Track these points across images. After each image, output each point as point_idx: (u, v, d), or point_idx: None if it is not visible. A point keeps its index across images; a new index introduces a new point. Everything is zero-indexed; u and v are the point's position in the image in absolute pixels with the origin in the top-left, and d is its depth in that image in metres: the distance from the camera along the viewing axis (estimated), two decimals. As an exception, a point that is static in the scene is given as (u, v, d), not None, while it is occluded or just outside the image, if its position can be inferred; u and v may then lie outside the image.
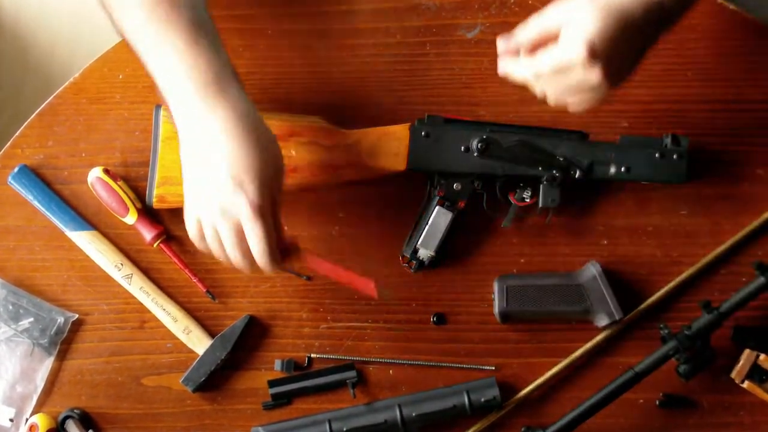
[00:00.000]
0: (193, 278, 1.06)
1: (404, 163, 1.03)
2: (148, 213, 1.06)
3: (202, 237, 0.91)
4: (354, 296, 1.07)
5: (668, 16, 0.91)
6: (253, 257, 0.88)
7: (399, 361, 1.06)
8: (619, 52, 0.89)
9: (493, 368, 1.06)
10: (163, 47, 0.87)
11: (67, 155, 1.08)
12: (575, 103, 0.93)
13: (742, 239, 1.07)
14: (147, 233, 1.05)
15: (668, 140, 1.04)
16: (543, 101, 0.95)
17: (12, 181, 1.07)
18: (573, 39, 0.88)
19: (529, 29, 0.92)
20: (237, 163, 0.85)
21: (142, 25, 0.88)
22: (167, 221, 1.07)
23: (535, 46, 0.92)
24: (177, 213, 1.06)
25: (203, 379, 1.05)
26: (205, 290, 1.06)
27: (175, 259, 1.05)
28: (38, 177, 1.08)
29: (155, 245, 1.05)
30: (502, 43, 0.94)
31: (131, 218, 1.05)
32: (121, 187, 1.05)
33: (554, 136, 1.04)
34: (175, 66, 0.86)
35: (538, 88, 0.94)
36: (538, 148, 1.03)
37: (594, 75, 0.88)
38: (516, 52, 0.93)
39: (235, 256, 0.89)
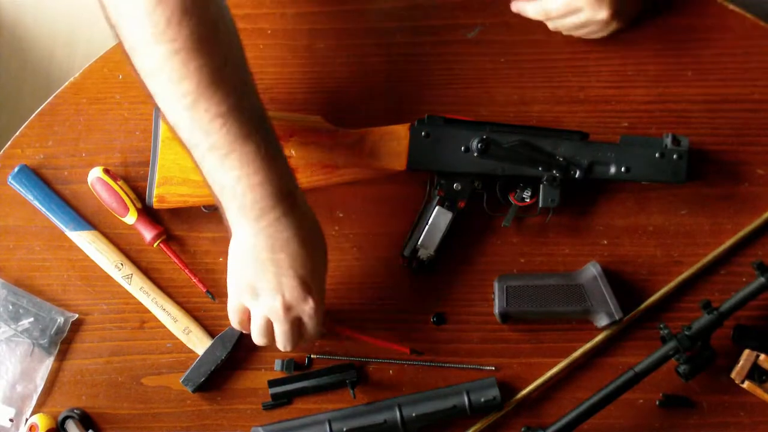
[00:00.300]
0: (193, 278, 1.06)
1: (404, 163, 1.03)
2: (148, 213, 1.06)
3: (245, 325, 0.96)
4: (354, 296, 1.07)
5: None
6: (297, 343, 0.95)
7: (399, 361, 1.06)
8: None
9: (493, 368, 1.06)
10: (228, 153, 0.85)
11: (67, 155, 1.08)
12: (584, 35, 1.07)
13: (742, 239, 1.07)
14: (147, 233, 1.05)
15: (668, 140, 1.04)
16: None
17: (12, 181, 1.07)
18: None
19: None
20: (305, 267, 0.90)
21: (204, 122, 0.85)
22: (167, 221, 1.07)
23: None
24: (177, 213, 1.07)
25: (203, 379, 1.05)
26: (205, 290, 1.06)
27: (174, 259, 1.05)
28: (38, 177, 1.08)
29: (155, 245, 1.05)
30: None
31: (131, 218, 1.05)
32: (121, 187, 1.05)
33: (554, 136, 1.03)
34: (246, 173, 0.86)
35: (551, 25, 1.07)
36: (538, 148, 1.03)
37: (602, 14, 1.02)
38: None
39: (287, 347, 0.95)
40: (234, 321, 0.95)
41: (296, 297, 0.90)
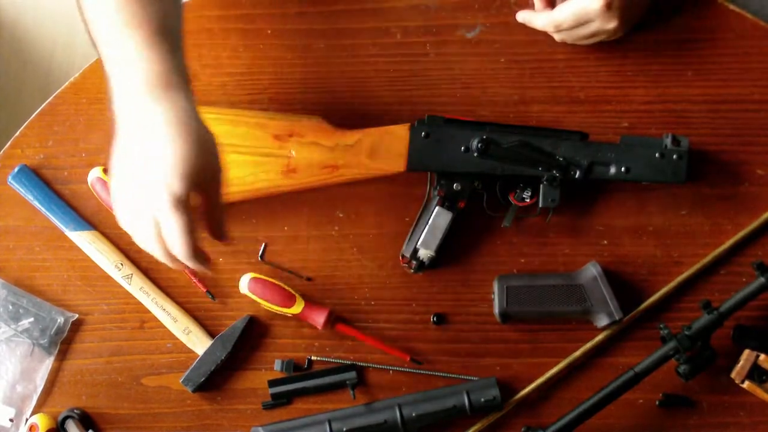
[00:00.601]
0: (192, 278, 1.06)
1: (404, 164, 1.03)
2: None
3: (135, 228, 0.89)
4: (354, 296, 1.07)
5: None
6: (171, 251, 0.87)
7: (397, 368, 1.06)
8: (632, 2, 1.02)
9: (494, 378, 1.06)
10: (124, 41, 0.87)
11: (67, 155, 1.08)
12: (588, 43, 1.07)
13: (742, 239, 1.07)
14: None
15: (668, 140, 1.04)
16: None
17: (12, 181, 1.07)
18: None
19: None
20: (170, 158, 0.84)
21: (109, 16, 0.88)
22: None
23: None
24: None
25: (203, 379, 1.05)
26: (205, 290, 1.06)
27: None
28: (38, 177, 1.08)
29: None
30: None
31: None
32: None
33: (554, 136, 1.03)
34: (131, 60, 0.87)
35: (558, 36, 1.07)
36: (538, 149, 1.03)
37: (611, 24, 1.02)
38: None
39: (153, 249, 0.88)
40: (119, 222, 0.89)
41: (154, 189, 0.84)
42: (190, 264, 0.88)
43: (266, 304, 1.04)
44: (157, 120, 0.85)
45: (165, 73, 0.87)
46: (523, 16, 1.08)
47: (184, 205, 0.84)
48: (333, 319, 1.05)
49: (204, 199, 0.89)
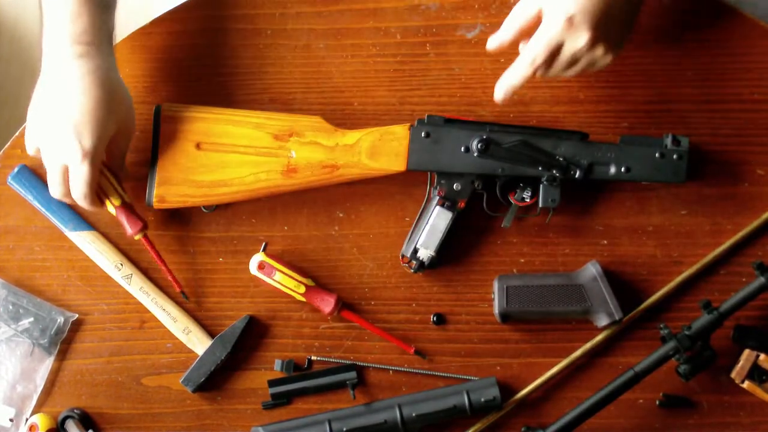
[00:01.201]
0: (168, 275, 1.04)
1: (404, 163, 1.03)
2: (132, 207, 1.03)
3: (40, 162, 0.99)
4: (354, 296, 1.07)
5: None
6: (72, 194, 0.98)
7: (397, 368, 1.06)
8: (601, 13, 0.91)
9: (494, 378, 1.06)
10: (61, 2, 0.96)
11: (67, 155, 1.08)
12: (576, 72, 0.97)
13: (742, 239, 1.07)
14: (129, 226, 1.02)
15: (668, 140, 1.04)
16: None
17: (12, 182, 1.07)
18: (551, 13, 0.92)
19: (513, 22, 0.96)
20: (81, 111, 0.94)
21: None
22: (167, 222, 1.07)
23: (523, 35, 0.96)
24: (177, 213, 1.07)
25: (203, 379, 1.05)
26: (179, 290, 1.05)
27: (153, 255, 1.04)
28: (38, 177, 1.07)
29: (137, 238, 1.03)
30: (493, 43, 0.98)
31: (111, 208, 1.02)
32: (105, 176, 1.01)
33: (554, 136, 1.03)
34: (60, 16, 0.96)
35: (538, 73, 0.96)
36: (538, 148, 1.03)
37: (582, 39, 0.92)
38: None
39: (56, 192, 0.98)
40: (28, 153, 1.01)
41: (64, 139, 0.95)
42: (86, 207, 0.99)
43: (275, 283, 1.04)
44: (74, 73, 0.95)
45: (88, 31, 0.95)
46: (500, 86, 0.98)
47: (91, 156, 0.95)
48: (340, 306, 1.05)
49: (108, 152, 0.99)
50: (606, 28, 0.92)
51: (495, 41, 0.97)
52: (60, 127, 0.95)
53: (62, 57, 0.96)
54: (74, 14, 0.95)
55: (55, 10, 0.96)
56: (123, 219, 1.02)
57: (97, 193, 1.00)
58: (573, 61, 0.95)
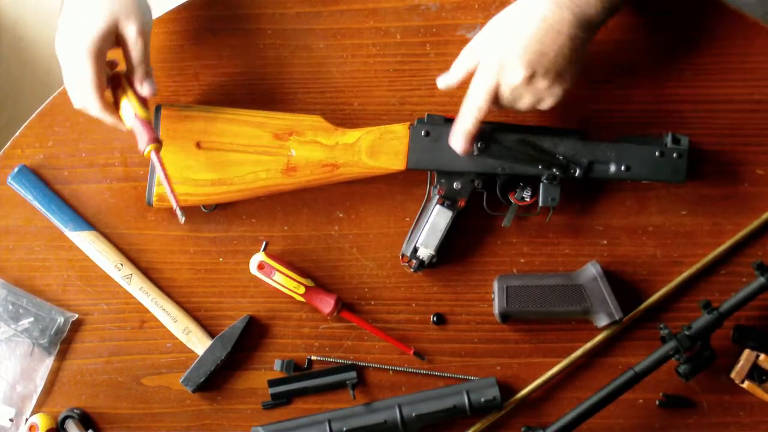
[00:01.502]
0: (169, 192, 0.98)
1: (404, 162, 1.03)
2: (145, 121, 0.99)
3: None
4: (354, 296, 1.07)
5: (585, 15, 0.96)
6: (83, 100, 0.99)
7: (398, 368, 1.06)
8: (534, 51, 0.94)
9: (494, 378, 1.06)
10: None
11: (67, 155, 1.08)
12: (540, 105, 0.98)
13: (742, 239, 1.07)
14: (141, 138, 0.98)
15: (668, 139, 1.04)
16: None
17: (12, 182, 1.07)
18: (485, 61, 0.96)
19: (458, 68, 1.00)
20: (86, 17, 0.96)
21: None
22: (167, 222, 1.07)
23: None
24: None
25: (203, 379, 1.05)
26: (176, 206, 0.97)
27: (161, 168, 0.98)
28: (38, 177, 1.08)
29: (146, 153, 0.98)
30: (441, 84, 1.02)
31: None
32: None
33: (554, 135, 1.03)
34: None
35: (490, 111, 0.98)
36: (538, 147, 1.03)
37: (516, 78, 0.95)
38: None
39: (72, 96, 0.99)
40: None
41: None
42: (100, 115, 0.98)
43: (275, 284, 1.04)
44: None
45: None
46: (456, 136, 1.01)
47: (93, 56, 0.95)
48: (340, 307, 1.05)
49: (125, 52, 0.98)
50: (541, 63, 0.94)
51: (443, 83, 1.02)
52: (73, 36, 0.96)
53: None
54: None
55: None
56: (136, 131, 0.99)
57: (113, 102, 1.00)
58: (515, 97, 0.97)
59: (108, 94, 1.00)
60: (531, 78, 0.95)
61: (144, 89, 0.99)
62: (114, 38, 0.98)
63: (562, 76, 0.96)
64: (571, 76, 0.97)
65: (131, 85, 0.99)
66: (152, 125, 0.99)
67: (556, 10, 0.94)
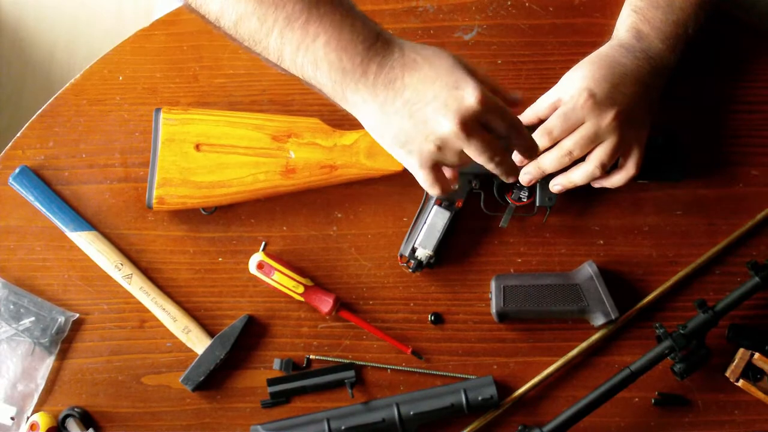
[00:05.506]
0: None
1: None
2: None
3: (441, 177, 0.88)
4: (352, 296, 1.08)
5: (660, 63, 1.01)
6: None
7: (396, 367, 1.07)
8: (621, 94, 0.96)
9: (491, 377, 1.07)
10: (306, 20, 0.82)
11: (68, 156, 1.09)
12: (603, 177, 1.01)
13: (736, 239, 1.07)
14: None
15: (663, 140, 1.04)
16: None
17: (13, 182, 1.08)
18: (572, 91, 0.96)
19: (538, 105, 1.01)
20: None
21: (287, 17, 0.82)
22: (167, 222, 1.08)
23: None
24: (177, 214, 1.07)
25: (202, 378, 1.05)
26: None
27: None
28: (39, 178, 1.08)
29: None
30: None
31: None
32: None
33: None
34: (331, 35, 0.82)
35: (567, 159, 0.98)
36: (534, 149, 1.03)
37: (605, 119, 0.96)
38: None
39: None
40: (427, 181, 0.87)
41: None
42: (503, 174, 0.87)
43: (274, 283, 1.05)
44: (403, 70, 0.82)
45: (368, 30, 0.83)
46: (527, 172, 1.01)
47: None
48: (338, 306, 1.06)
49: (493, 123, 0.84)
50: (630, 105, 0.98)
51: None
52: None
53: (374, 66, 0.83)
54: (356, 26, 0.82)
55: (330, 36, 0.82)
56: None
57: None
58: (591, 141, 0.98)
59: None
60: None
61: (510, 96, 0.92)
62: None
63: (639, 126, 1.00)
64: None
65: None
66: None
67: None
